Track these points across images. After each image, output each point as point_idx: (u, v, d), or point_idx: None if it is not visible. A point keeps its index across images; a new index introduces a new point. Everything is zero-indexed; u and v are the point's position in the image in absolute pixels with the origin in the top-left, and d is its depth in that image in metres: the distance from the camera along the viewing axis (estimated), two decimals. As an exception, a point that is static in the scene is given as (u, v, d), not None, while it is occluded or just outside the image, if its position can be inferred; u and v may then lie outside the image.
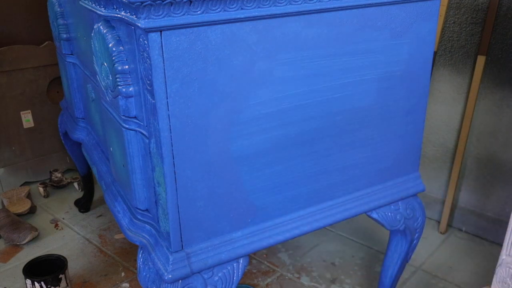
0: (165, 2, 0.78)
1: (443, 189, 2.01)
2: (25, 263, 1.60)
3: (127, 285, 1.72)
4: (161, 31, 0.80)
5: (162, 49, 0.82)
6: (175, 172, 0.91)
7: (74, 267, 1.80)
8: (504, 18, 1.69)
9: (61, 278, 1.58)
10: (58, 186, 2.37)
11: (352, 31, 1.01)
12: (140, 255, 1.08)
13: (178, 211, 0.94)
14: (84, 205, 2.18)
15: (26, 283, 1.56)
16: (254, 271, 1.78)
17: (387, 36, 1.07)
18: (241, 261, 1.05)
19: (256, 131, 0.97)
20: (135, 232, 1.08)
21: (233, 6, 0.85)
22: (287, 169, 1.05)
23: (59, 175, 2.37)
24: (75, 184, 2.38)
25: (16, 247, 1.94)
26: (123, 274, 1.77)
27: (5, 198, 2.17)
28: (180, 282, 0.98)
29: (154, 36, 0.80)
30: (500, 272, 1.19)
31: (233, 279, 1.04)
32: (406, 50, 1.11)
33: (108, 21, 0.97)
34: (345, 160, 1.13)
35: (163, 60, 0.82)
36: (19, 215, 2.10)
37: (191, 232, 0.97)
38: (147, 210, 1.08)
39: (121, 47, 0.93)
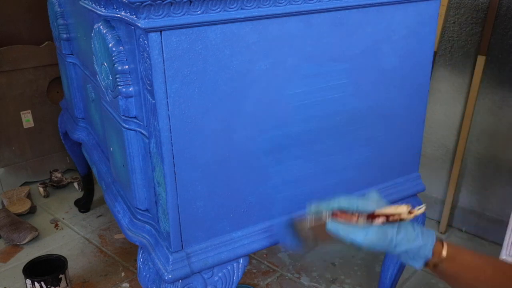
0: (165, 2, 0.78)
1: (443, 189, 2.01)
2: (25, 263, 1.60)
3: (127, 285, 1.72)
4: (161, 31, 0.80)
5: (162, 49, 0.82)
6: (175, 172, 0.91)
7: (74, 267, 1.80)
8: (504, 18, 1.69)
9: (61, 278, 1.58)
10: (58, 186, 2.36)
11: (352, 31, 1.01)
12: (140, 255, 1.08)
13: (178, 211, 0.94)
14: (84, 205, 2.18)
15: (26, 283, 1.56)
16: (254, 271, 1.78)
17: (387, 36, 1.07)
18: (241, 261, 1.05)
19: (256, 131, 0.97)
20: (135, 232, 1.08)
21: (233, 6, 0.85)
22: (287, 169, 1.05)
23: (59, 175, 2.37)
24: (75, 184, 2.38)
25: (16, 247, 1.94)
26: (123, 274, 1.77)
27: (5, 198, 2.17)
28: (180, 282, 0.98)
29: (154, 36, 0.80)
30: (500, 272, 1.18)
31: (233, 279, 1.04)
32: (406, 50, 1.11)
33: (108, 21, 0.97)
34: (345, 160, 1.13)
35: (163, 60, 0.82)
36: (19, 215, 2.10)
37: (191, 232, 0.97)
38: (147, 210, 1.08)
39: (121, 47, 0.93)
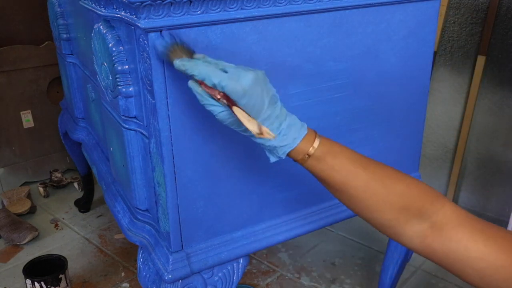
0: (165, 2, 0.78)
1: (443, 189, 2.01)
2: (25, 263, 1.60)
3: (127, 285, 1.72)
4: (161, 31, 0.80)
5: (162, 49, 0.81)
6: (175, 172, 0.91)
7: (74, 267, 1.80)
8: (504, 18, 1.69)
9: (61, 278, 1.58)
10: (58, 186, 2.37)
11: (352, 31, 1.01)
12: (140, 255, 1.08)
13: (178, 211, 0.94)
14: (84, 205, 2.18)
15: (26, 283, 1.56)
16: (254, 271, 1.78)
17: (387, 36, 1.07)
18: (241, 261, 1.05)
19: (256, 131, 0.97)
20: (135, 232, 1.08)
21: (233, 6, 0.85)
22: (287, 169, 1.04)
23: (59, 175, 2.37)
24: (75, 184, 2.38)
25: (16, 247, 1.94)
26: (123, 274, 1.77)
27: (5, 198, 2.17)
28: (180, 282, 0.98)
29: (154, 36, 0.80)
30: (500, 272, 1.18)
31: (233, 279, 1.04)
32: (406, 50, 1.11)
33: (108, 21, 0.97)
34: (345, 160, 1.13)
35: (163, 60, 0.82)
36: (19, 215, 2.10)
37: (191, 232, 0.97)
38: (147, 210, 1.08)
39: (121, 47, 0.93)
